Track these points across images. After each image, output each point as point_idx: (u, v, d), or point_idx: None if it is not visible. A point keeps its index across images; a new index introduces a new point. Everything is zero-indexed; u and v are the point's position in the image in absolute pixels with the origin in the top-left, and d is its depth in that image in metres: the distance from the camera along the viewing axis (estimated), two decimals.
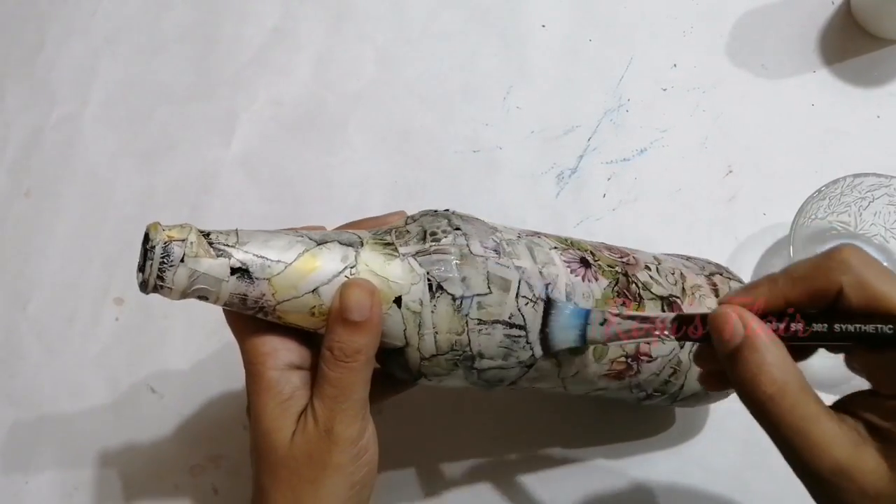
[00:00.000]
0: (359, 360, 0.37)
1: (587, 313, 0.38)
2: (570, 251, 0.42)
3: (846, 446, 0.29)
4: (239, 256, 0.36)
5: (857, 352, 0.33)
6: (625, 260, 0.43)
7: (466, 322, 0.38)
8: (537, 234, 0.42)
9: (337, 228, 0.41)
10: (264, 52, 0.65)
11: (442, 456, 0.53)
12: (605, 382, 0.43)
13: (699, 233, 0.57)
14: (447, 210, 0.41)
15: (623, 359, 0.42)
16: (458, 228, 0.39)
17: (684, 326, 0.35)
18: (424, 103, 0.62)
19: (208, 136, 0.63)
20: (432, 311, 0.38)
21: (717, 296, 0.45)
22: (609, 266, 0.42)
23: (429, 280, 0.38)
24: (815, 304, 0.32)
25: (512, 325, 0.38)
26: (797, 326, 0.31)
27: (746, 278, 0.54)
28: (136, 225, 0.61)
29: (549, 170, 0.60)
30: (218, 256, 0.36)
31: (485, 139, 0.61)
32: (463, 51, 0.64)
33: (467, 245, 0.39)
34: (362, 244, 0.38)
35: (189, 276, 0.35)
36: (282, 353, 0.38)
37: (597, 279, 0.41)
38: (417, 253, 0.38)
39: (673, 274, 0.45)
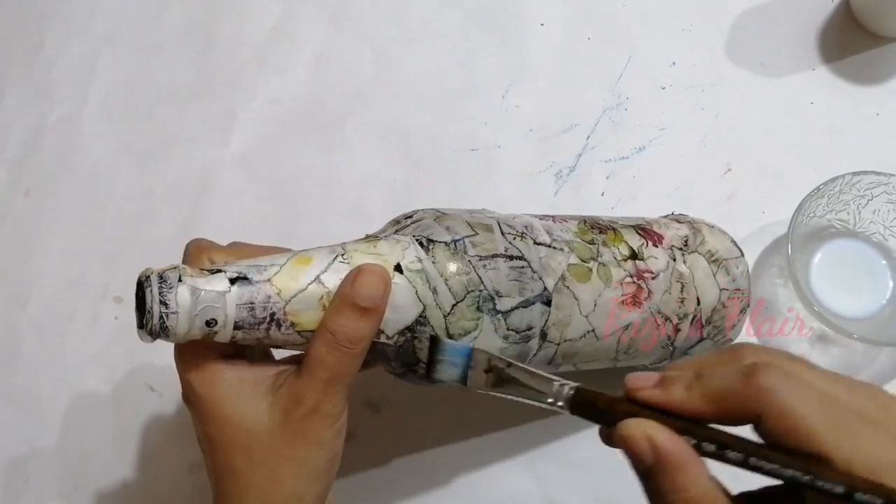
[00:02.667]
0: (360, 346, 0.37)
1: (469, 352, 0.37)
2: (536, 217, 0.45)
3: None
4: (233, 269, 0.37)
5: None
6: (584, 217, 0.47)
7: (469, 261, 0.39)
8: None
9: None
10: (263, 51, 0.66)
11: (441, 455, 0.53)
12: (626, 314, 0.43)
13: None
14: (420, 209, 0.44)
15: (629, 279, 0.44)
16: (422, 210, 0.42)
17: (581, 403, 0.32)
18: (423, 102, 0.62)
19: (207, 135, 0.63)
20: (433, 262, 0.39)
21: (678, 222, 0.48)
22: (572, 218, 0.46)
23: (417, 240, 0.39)
24: (730, 425, 0.29)
25: (511, 258, 0.40)
26: (709, 448, 0.29)
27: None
28: (135, 224, 0.61)
29: (547, 168, 0.60)
30: (213, 274, 0.36)
31: (483, 138, 0.61)
32: (461, 49, 0.64)
33: (437, 210, 0.42)
34: (347, 244, 0.39)
35: (192, 293, 0.35)
36: (215, 353, 0.38)
37: (566, 221, 0.45)
38: (397, 231, 0.41)
39: (631, 218, 0.48)
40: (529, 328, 0.40)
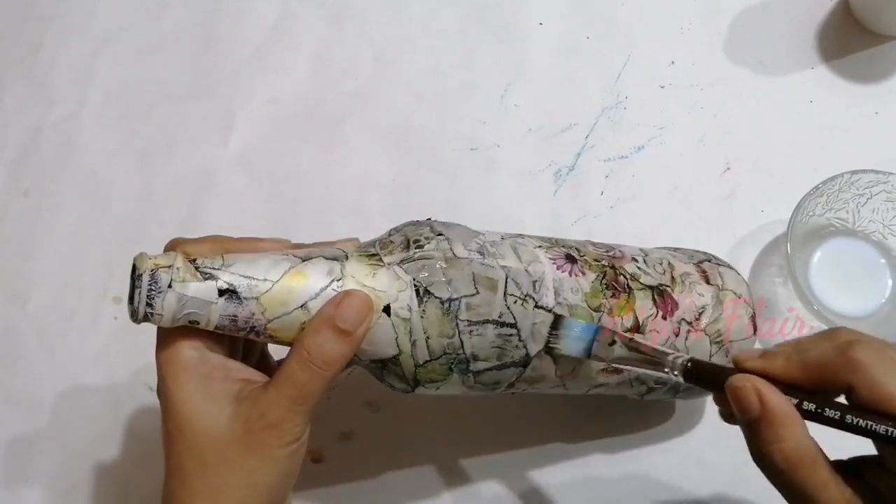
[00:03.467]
0: (333, 369, 0.37)
1: (596, 329, 0.39)
2: (555, 249, 0.42)
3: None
4: (225, 278, 0.36)
5: None
6: (611, 254, 0.44)
7: (457, 324, 0.38)
8: (521, 235, 0.42)
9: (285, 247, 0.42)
10: (262, 50, 0.66)
11: (440, 454, 0.53)
12: (603, 378, 0.43)
13: (697, 230, 0.57)
14: (429, 219, 0.42)
15: None
16: (440, 234, 0.40)
17: (695, 374, 0.36)
18: (422, 101, 0.62)
19: (207, 135, 0.63)
20: (422, 316, 0.38)
21: (707, 282, 0.45)
22: (595, 260, 0.43)
23: (415, 286, 0.38)
24: (824, 391, 0.33)
25: (503, 324, 0.39)
26: (809, 406, 0.33)
27: (745, 276, 0.54)
28: (135, 224, 0.61)
29: (546, 167, 0.60)
30: (205, 279, 0.36)
31: (482, 137, 0.61)
32: (460, 49, 0.64)
33: (451, 249, 0.39)
34: (347, 257, 0.39)
35: (178, 300, 0.36)
36: (200, 333, 0.38)
37: (584, 273, 0.42)
38: (402, 261, 0.39)
39: (661, 263, 0.45)
40: (497, 383, 0.41)
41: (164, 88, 0.65)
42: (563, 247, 0.43)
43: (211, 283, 0.36)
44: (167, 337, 0.38)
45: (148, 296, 0.35)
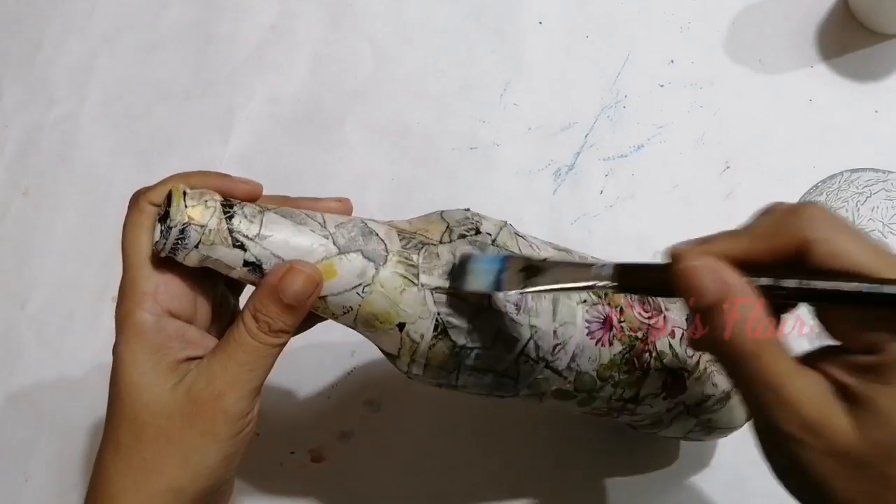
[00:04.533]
0: (282, 338, 0.36)
1: (503, 259, 0.36)
2: (600, 306, 0.40)
3: (816, 404, 0.29)
4: (256, 251, 0.35)
5: (823, 309, 0.32)
6: (653, 322, 0.41)
7: (459, 367, 0.37)
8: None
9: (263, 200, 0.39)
10: (262, 49, 0.66)
11: (440, 453, 0.53)
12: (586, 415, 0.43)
13: (697, 229, 0.56)
14: (493, 240, 0.38)
15: (605, 409, 0.42)
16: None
17: (627, 278, 0.32)
18: (422, 100, 0.62)
19: (206, 134, 0.63)
20: (429, 348, 0.37)
21: (721, 375, 0.43)
22: (631, 330, 0.40)
23: (437, 321, 0.37)
24: (776, 261, 0.30)
25: (504, 376, 0.38)
26: (765, 282, 0.30)
27: None
28: None
29: (546, 166, 0.60)
30: (234, 247, 0.35)
31: (482, 136, 0.61)
32: (460, 48, 0.64)
33: (489, 297, 0.37)
34: (386, 260, 0.36)
35: (201, 259, 0.35)
36: (162, 296, 0.36)
37: (611, 343, 0.40)
38: (436, 289, 0.37)
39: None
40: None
41: (163, 88, 0.65)
42: (610, 305, 0.40)
43: (239, 252, 0.35)
44: (127, 294, 0.36)
45: (173, 246, 0.34)
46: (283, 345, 0.37)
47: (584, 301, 0.39)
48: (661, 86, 0.61)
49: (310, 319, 0.39)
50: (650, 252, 0.55)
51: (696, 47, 0.61)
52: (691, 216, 0.57)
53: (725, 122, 0.59)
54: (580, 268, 0.34)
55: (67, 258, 0.61)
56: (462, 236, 0.38)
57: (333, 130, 0.62)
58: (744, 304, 0.29)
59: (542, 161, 0.60)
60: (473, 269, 0.36)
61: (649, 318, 0.41)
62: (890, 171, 0.51)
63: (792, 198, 0.51)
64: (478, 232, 0.38)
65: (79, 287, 0.60)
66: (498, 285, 0.35)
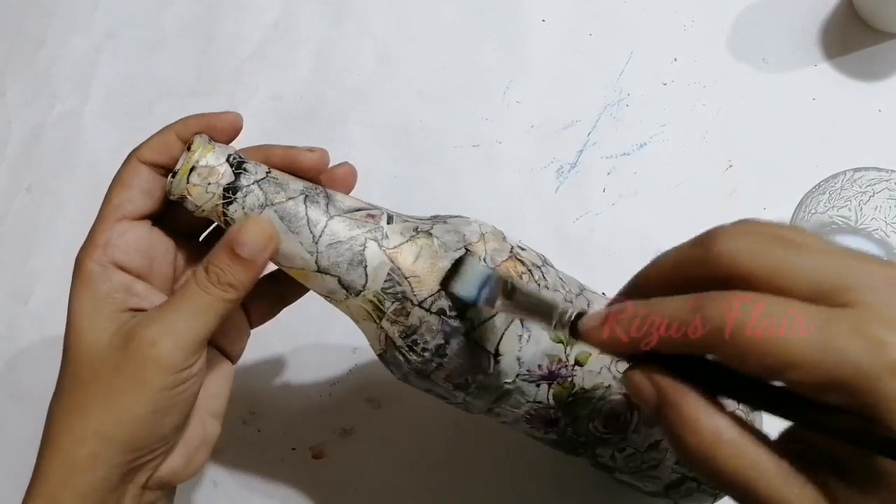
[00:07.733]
0: (230, 292, 0.35)
1: (490, 275, 0.36)
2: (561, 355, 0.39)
3: (785, 487, 0.26)
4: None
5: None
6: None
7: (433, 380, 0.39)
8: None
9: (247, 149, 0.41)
10: (264, 47, 0.66)
11: (441, 451, 0.53)
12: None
13: (699, 227, 0.56)
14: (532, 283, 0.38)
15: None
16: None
17: (580, 329, 0.32)
18: (424, 98, 0.62)
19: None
20: (401, 356, 0.39)
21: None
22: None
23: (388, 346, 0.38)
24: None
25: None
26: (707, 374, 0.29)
27: None
28: None
29: (548, 164, 0.59)
30: (224, 219, 0.36)
31: (484, 134, 0.61)
32: (463, 45, 0.64)
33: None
34: (359, 294, 0.37)
35: (197, 214, 0.37)
36: (112, 249, 0.37)
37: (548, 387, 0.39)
38: (401, 333, 0.38)
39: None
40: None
41: (166, 85, 0.65)
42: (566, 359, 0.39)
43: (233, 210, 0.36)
44: (84, 245, 0.38)
45: (177, 199, 0.36)
46: (231, 303, 0.36)
47: (562, 342, 0.38)
48: (664, 84, 0.61)
49: (275, 304, 0.41)
50: (652, 250, 0.54)
51: (700, 45, 0.61)
52: (694, 214, 0.57)
53: (728, 120, 0.59)
54: (545, 304, 0.33)
55: (70, 254, 0.60)
56: (442, 311, 0.37)
57: (336, 128, 0.62)
58: (683, 406, 0.28)
59: (545, 159, 0.60)
60: (465, 270, 0.36)
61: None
62: (893, 171, 0.51)
63: (795, 196, 0.50)
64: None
65: None
66: (477, 299, 0.35)
